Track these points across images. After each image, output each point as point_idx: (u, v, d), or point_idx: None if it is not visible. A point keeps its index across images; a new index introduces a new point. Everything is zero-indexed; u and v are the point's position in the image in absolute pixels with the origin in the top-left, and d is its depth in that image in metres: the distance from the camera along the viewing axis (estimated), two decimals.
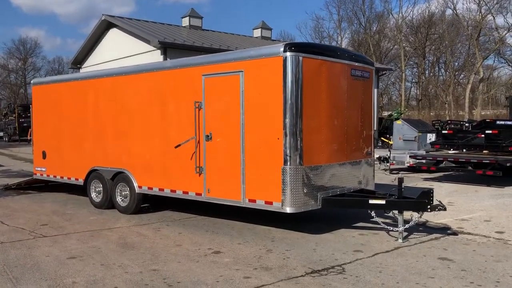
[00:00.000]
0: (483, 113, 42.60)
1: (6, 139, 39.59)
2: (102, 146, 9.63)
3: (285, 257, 6.13)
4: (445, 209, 6.88)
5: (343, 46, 50.66)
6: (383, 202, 6.98)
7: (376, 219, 7.13)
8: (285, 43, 7.04)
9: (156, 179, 8.54)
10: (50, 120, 10.95)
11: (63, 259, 6.11)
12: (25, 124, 35.31)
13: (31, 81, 11.97)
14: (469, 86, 42.84)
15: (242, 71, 7.23)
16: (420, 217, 7.00)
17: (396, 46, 51.55)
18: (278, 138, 6.84)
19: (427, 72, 53.35)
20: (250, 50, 7.53)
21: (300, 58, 6.79)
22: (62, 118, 10.56)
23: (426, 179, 13.66)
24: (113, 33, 24.10)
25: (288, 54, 6.74)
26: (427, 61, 52.60)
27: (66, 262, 5.98)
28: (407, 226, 6.93)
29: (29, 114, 30.60)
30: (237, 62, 7.35)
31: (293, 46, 6.83)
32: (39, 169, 11.33)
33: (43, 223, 8.30)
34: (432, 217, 7.62)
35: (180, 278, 5.36)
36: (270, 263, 5.89)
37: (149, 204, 9.48)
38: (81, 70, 26.29)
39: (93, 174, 9.77)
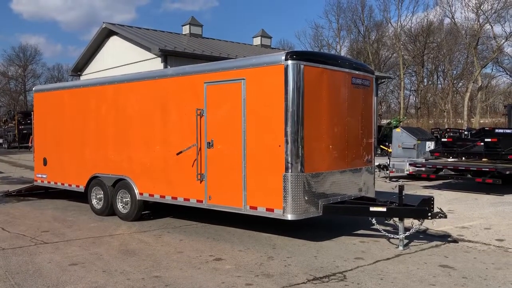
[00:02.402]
0: (481, 121, 42.66)
1: (6, 146, 39.61)
2: (103, 153, 9.66)
3: (286, 264, 6.15)
4: (445, 217, 6.92)
5: (342, 54, 50.86)
6: (384, 209, 7.01)
7: (377, 226, 7.16)
8: (286, 51, 7.11)
9: (157, 186, 8.56)
10: (51, 127, 10.99)
11: (65, 266, 6.12)
12: (24, 131, 35.36)
13: (33, 88, 12.03)
14: (468, 94, 42.98)
15: (244, 79, 7.29)
16: (421, 224, 7.03)
17: (394, 55, 51.78)
18: (280, 146, 6.88)
19: (425, 80, 53.56)
20: (252, 58, 7.59)
21: (302, 66, 6.85)
22: (64, 125, 10.60)
23: (425, 187, 13.70)
24: (114, 40, 24.18)
25: (289, 62, 6.80)
26: (425, 70, 52.83)
27: (68, 269, 5.99)
28: (407, 233, 6.97)
29: (28, 121, 30.64)
30: (239, 70, 7.41)
31: (294, 54, 6.89)
32: (39, 175, 11.35)
33: (44, 230, 8.30)
34: (432, 225, 7.64)
35: (182, 285, 5.37)
36: (272, 270, 5.90)
37: (150, 211, 9.50)
38: (81, 78, 26.34)
39: (94, 181, 9.79)
